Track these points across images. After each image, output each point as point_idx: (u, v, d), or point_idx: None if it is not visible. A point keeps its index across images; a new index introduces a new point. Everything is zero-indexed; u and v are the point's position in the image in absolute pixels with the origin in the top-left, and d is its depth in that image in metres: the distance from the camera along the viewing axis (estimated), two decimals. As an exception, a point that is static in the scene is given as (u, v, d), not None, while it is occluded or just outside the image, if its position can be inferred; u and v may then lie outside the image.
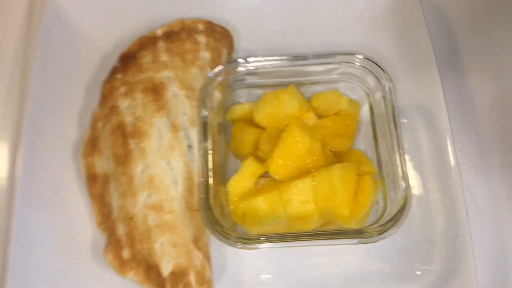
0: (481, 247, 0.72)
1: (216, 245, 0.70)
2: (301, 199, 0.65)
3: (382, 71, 0.70)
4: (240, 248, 0.63)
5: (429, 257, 0.71)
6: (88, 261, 0.72)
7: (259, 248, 0.65)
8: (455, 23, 0.88)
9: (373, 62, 0.70)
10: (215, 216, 0.64)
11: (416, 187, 0.74)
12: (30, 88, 0.77)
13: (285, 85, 0.74)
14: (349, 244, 0.64)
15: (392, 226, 0.62)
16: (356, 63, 0.71)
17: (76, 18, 0.84)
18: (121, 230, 0.69)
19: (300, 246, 0.64)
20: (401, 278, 0.71)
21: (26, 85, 0.81)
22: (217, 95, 0.73)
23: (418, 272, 0.70)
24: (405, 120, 0.77)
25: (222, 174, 0.72)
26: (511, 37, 0.87)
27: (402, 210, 0.63)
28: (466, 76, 0.84)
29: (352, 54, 0.71)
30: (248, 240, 0.63)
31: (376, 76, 0.71)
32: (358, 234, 0.63)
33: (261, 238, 0.63)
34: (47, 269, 0.70)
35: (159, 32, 0.81)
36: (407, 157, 0.74)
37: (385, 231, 0.62)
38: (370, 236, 0.63)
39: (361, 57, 0.71)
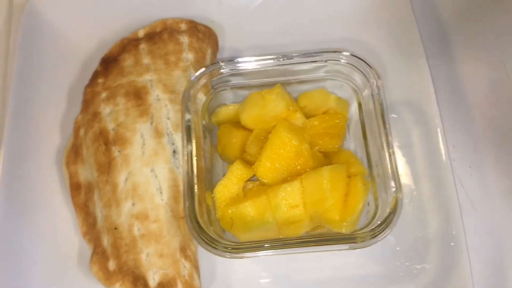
0: (476, 244, 0.71)
1: (205, 253, 0.67)
2: (290, 203, 0.64)
3: (369, 67, 0.68)
4: (228, 257, 0.62)
5: (423, 256, 0.70)
6: (74, 272, 0.70)
7: (248, 257, 0.63)
8: (444, 14, 0.86)
9: (360, 58, 0.68)
10: (201, 224, 0.62)
11: (408, 185, 0.73)
12: (10, 93, 0.75)
13: (271, 85, 0.72)
14: (341, 250, 0.62)
15: (384, 229, 0.61)
16: (342, 60, 0.70)
17: (56, 20, 0.82)
18: (106, 240, 0.67)
19: (290, 253, 0.62)
20: (396, 279, 0.70)
21: (6, 90, 0.80)
22: (201, 97, 0.71)
23: (414, 272, 0.70)
24: (394, 116, 0.76)
25: (209, 179, 0.70)
26: (501, 27, 0.85)
27: (393, 213, 0.61)
28: (457, 68, 0.83)
29: (338, 51, 0.70)
30: (236, 249, 0.61)
31: (363, 73, 0.69)
32: (349, 239, 0.62)
33: (250, 247, 0.62)
34: (32, 281, 0.69)
35: (141, 33, 0.79)
36: (398, 154, 0.74)
37: (377, 235, 0.61)
38: (362, 241, 0.61)
39: (347, 54, 0.69)
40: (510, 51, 0.83)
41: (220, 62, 0.70)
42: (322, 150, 0.71)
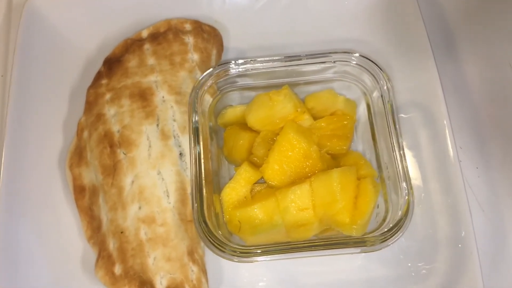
0: (484, 245, 0.71)
1: (212, 256, 0.67)
2: (299, 206, 0.63)
3: (379, 69, 0.67)
4: (236, 261, 0.61)
5: (432, 258, 0.69)
6: (78, 277, 0.69)
7: (256, 261, 0.62)
8: (451, 15, 0.85)
9: (370, 60, 0.68)
10: (210, 227, 0.61)
11: (417, 186, 0.72)
12: (10, 95, 0.73)
13: (278, 86, 0.71)
14: (351, 254, 0.61)
15: (395, 233, 0.60)
16: (352, 61, 0.69)
17: (56, 20, 0.80)
18: (112, 244, 0.66)
19: (299, 257, 0.61)
20: (405, 281, 0.69)
21: (6, 92, 0.78)
22: (207, 98, 0.70)
23: (422, 274, 0.69)
24: (403, 115, 0.75)
25: (216, 182, 0.69)
26: (507, 28, 0.85)
27: (405, 216, 0.61)
28: (464, 69, 0.82)
29: (348, 52, 0.69)
30: (244, 253, 0.60)
31: (373, 75, 0.68)
32: (359, 243, 0.61)
33: (258, 251, 0.61)
34: (36, 286, 0.68)
35: (144, 33, 0.77)
36: (406, 154, 0.72)
37: (388, 239, 0.60)
38: (372, 245, 0.60)
39: (357, 55, 0.68)
40: (516, 52, 0.83)
41: (228, 63, 0.69)
42: (330, 152, 0.70)
